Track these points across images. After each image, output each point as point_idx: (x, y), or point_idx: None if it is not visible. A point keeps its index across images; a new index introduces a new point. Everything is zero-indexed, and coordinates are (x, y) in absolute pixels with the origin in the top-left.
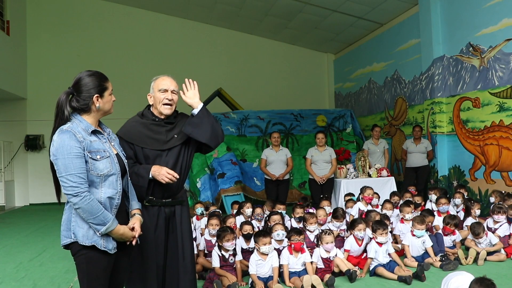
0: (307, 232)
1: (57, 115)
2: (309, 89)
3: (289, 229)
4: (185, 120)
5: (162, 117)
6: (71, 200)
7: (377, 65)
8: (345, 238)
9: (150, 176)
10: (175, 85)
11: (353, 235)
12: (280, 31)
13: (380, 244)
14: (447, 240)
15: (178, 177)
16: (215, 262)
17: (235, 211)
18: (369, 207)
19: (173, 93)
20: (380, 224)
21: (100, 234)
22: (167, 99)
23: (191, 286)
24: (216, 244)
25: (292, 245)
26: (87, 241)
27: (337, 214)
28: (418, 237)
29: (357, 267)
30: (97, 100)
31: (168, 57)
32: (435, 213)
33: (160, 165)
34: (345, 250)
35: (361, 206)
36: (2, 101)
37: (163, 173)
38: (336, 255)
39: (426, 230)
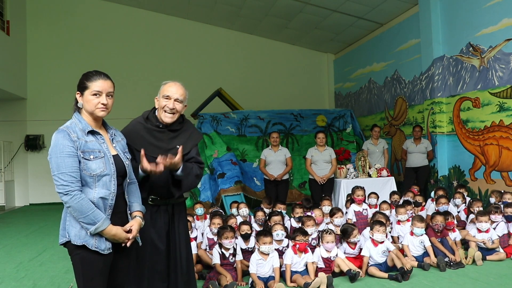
0: None
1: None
2: (309, 89)
3: (289, 229)
4: (191, 130)
5: (167, 123)
6: (62, 198)
7: (377, 65)
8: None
9: (141, 172)
10: (181, 93)
11: (347, 242)
12: (280, 31)
13: (375, 243)
14: (451, 237)
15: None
16: (216, 259)
17: (233, 209)
18: (365, 206)
19: (177, 101)
20: (377, 221)
21: (90, 233)
22: (168, 107)
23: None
24: (218, 242)
25: (297, 245)
26: (79, 240)
27: (333, 210)
28: (418, 236)
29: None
30: (80, 98)
31: (168, 57)
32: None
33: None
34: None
35: (356, 207)
36: (2, 101)
37: (145, 166)
38: (337, 255)
39: (438, 232)
